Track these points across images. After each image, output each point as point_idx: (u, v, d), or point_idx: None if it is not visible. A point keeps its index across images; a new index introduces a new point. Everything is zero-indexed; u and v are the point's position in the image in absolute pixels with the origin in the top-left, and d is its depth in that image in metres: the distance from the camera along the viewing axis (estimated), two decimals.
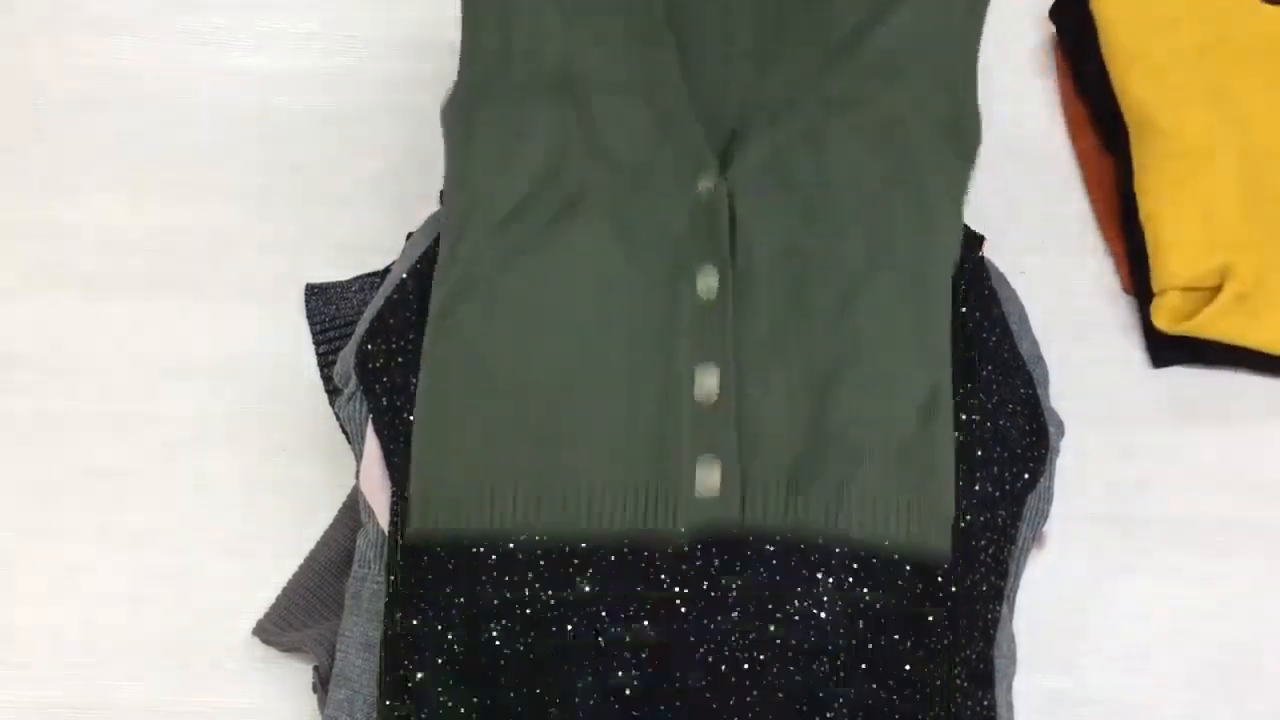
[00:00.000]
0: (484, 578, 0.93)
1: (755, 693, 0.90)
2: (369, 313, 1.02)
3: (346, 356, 1.02)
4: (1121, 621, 1.09)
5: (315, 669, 1.00)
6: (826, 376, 0.95)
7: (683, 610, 0.93)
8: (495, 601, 0.92)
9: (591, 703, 0.89)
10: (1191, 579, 1.11)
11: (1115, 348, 1.19)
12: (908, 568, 0.93)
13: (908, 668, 0.93)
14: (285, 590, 1.07)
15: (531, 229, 0.98)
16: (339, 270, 1.20)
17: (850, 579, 0.93)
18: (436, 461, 0.94)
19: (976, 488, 0.97)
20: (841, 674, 0.92)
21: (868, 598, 0.93)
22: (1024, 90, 1.31)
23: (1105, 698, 1.07)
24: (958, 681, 0.93)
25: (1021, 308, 1.06)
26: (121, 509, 1.12)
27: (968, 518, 0.96)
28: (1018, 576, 1.00)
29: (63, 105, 1.28)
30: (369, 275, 1.19)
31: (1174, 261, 1.17)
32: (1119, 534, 1.12)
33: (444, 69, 1.32)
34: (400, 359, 0.99)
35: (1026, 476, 0.99)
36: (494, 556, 0.93)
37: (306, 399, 1.15)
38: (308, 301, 1.18)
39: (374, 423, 0.98)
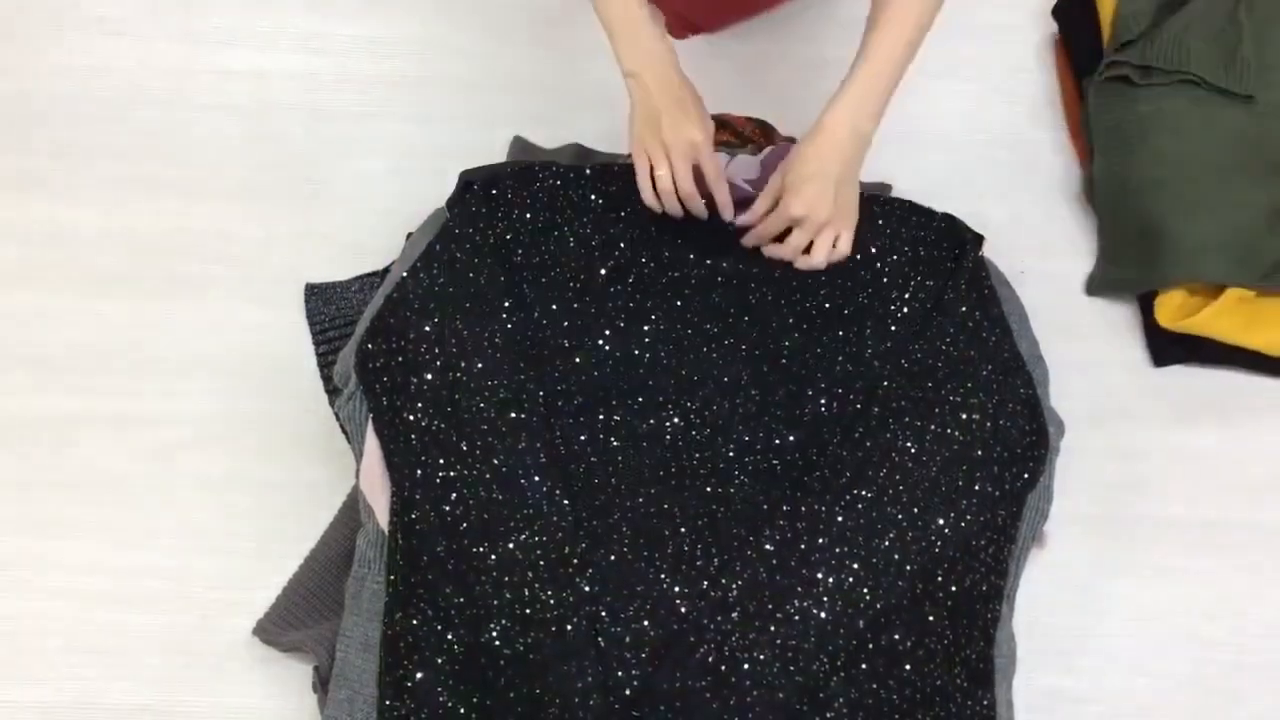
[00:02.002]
0: (484, 577, 0.93)
1: (755, 693, 0.90)
2: (369, 312, 1.02)
3: (346, 356, 1.02)
4: (1121, 621, 1.09)
5: (315, 669, 1.00)
6: None
7: (683, 610, 0.93)
8: (495, 601, 0.92)
9: (591, 703, 0.89)
10: (1191, 579, 1.11)
11: (1115, 348, 1.19)
12: (908, 568, 0.94)
13: (908, 668, 0.93)
14: (285, 590, 1.07)
15: None
16: (339, 270, 1.20)
17: (850, 579, 0.93)
18: None
19: (976, 487, 0.97)
20: (841, 674, 0.92)
21: (868, 597, 0.93)
22: (1025, 89, 1.31)
23: (1105, 697, 1.07)
24: (958, 681, 0.93)
25: (1021, 308, 1.06)
26: (121, 509, 1.12)
27: (967, 518, 0.96)
28: (1018, 576, 1.00)
29: (63, 105, 1.28)
30: (369, 275, 1.19)
31: None
32: (1119, 534, 1.12)
33: (444, 70, 1.32)
34: (400, 359, 0.99)
35: (1026, 476, 0.99)
36: (493, 557, 0.93)
37: (306, 399, 1.15)
38: (308, 301, 1.18)
39: (374, 422, 0.98)
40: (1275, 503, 1.14)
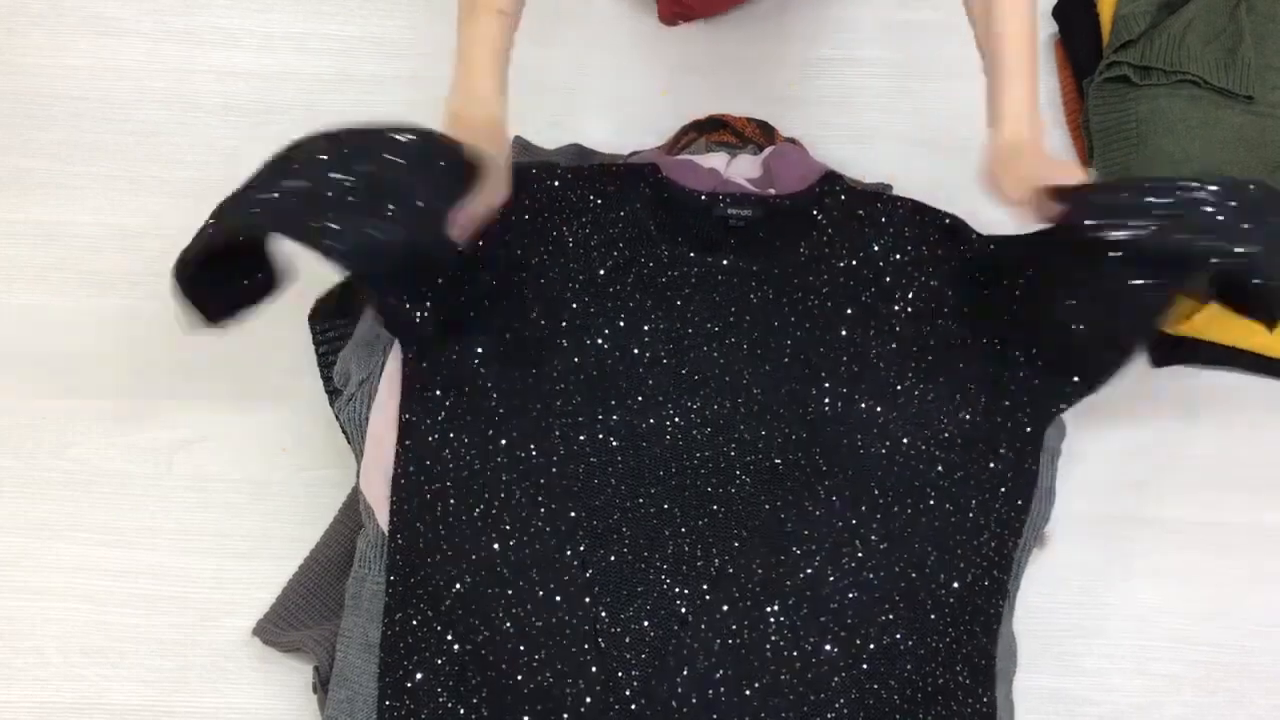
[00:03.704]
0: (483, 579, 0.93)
1: (755, 694, 0.90)
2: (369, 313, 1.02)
3: (346, 356, 1.02)
4: (1121, 621, 1.09)
5: (315, 669, 1.00)
6: None
7: (683, 611, 0.93)
8: (494, 603, 0.92)
9: (590, 702, 0.89)
10: (1192, 579, 1.11)
11: None
12: (912, 574, 0.94)
13: (909, 667, 0.93)
14: (285, 590, 1.07)
15: None
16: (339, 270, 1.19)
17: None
18: None
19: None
20: (842, 674, 0.92)
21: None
22: None
23: (1105, 697, 1.07)
24: (960, 679, 0.93)
25: None
26: (121, 509, 1.12)
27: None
28: (1018, 577, 1.00)
29: (63, 105, 1.28)
30: None
31: None
32: (1119, 534, 1.12)
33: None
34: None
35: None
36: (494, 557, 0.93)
37: (306, 399, 1.15)
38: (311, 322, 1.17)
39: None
40: (1275, 503, 1.14)
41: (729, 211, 1.03)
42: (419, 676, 0.92)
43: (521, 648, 0.91)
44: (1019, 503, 0.98)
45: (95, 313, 1.19)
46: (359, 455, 1.00)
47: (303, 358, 1.16)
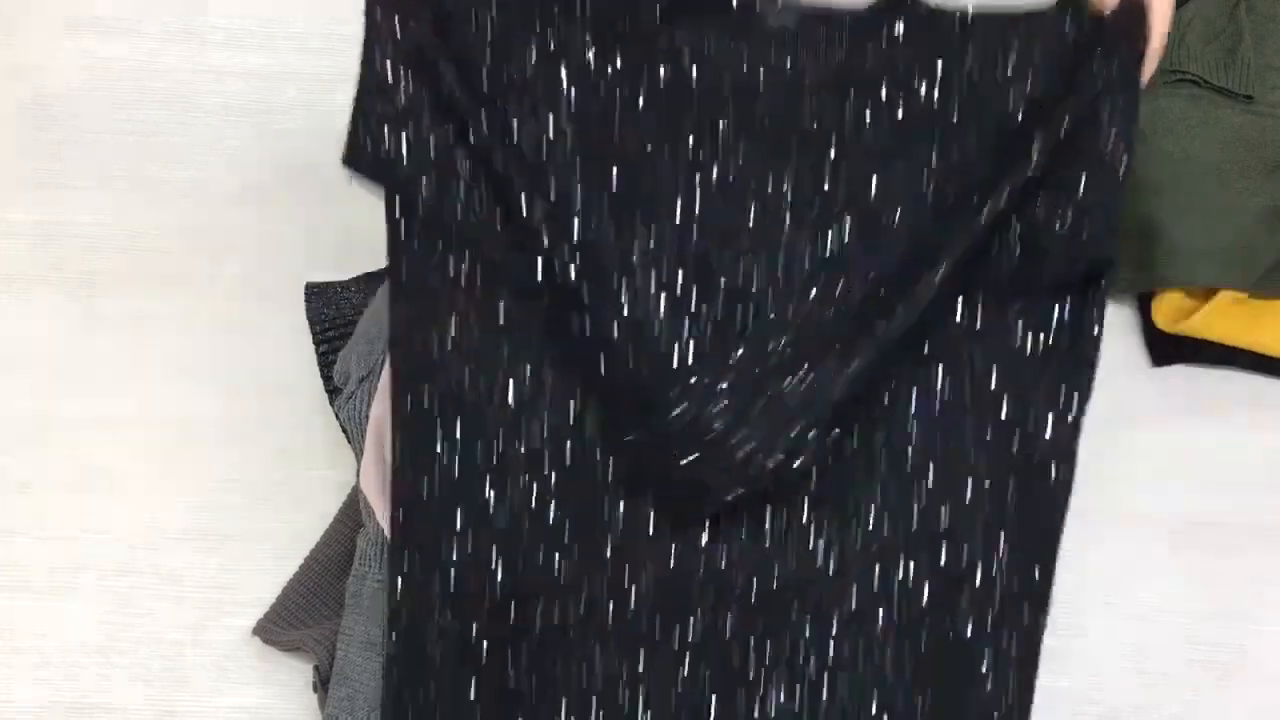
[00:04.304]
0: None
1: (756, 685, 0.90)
2: (368, 312, 1.02)
3: (346, 356, 1.02)
4: (1120, 620, 1.09)
5: (315, 668, 1.00)
6: None
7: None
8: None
9: (602, 689, 0.89)
10: (1191, 578, 1.11)
11: (1115, 347, 1.19)
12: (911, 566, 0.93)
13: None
14: (286, 590, 1.07)
15: None
16: (339, 270, 1.20)
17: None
18: None
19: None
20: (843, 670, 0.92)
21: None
22: None
23: (1105, 697, 1.07)
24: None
25: None
26: (121, 509, 1.12)
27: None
28: None
29: (64, 105, 1.28)
30: (369, 275, 1.19)
31: None
32: (1119, 534, 1.12)
33: None
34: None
35: None
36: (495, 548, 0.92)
37: (306, 399, 1.15)
38: (308, 302, 1.18)
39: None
40: (1275, 503, 1.14)
41: (767, 16, 0.79)
42: (428, 649, 0.90)
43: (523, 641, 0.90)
44: None
45: (95, 313, 1.19)
46: (359, 454, 1.00)
47: (303, 358, 1.16)
